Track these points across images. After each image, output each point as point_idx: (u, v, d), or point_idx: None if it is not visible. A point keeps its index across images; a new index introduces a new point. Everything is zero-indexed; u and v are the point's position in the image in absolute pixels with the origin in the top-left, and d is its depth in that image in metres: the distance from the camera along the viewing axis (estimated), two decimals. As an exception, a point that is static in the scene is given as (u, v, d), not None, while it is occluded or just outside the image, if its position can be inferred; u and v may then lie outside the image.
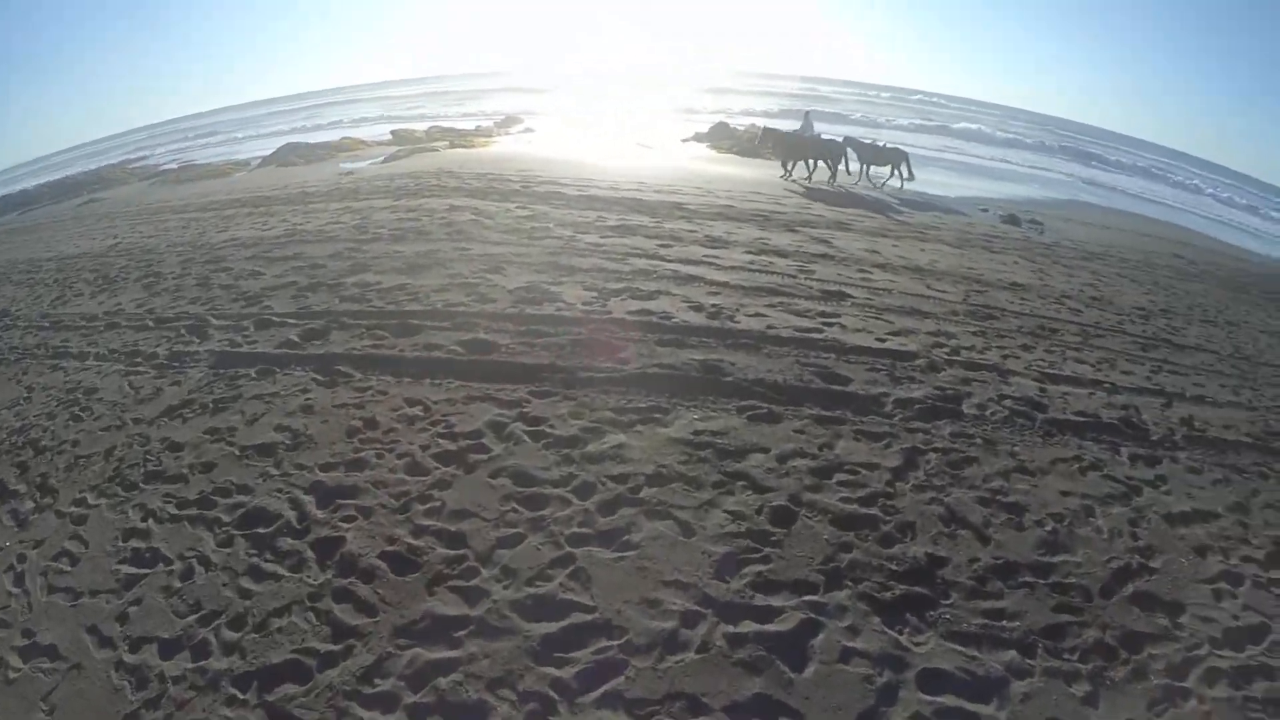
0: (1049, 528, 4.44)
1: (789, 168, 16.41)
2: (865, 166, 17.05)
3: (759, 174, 17.58)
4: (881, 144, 17.97)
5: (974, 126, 42.39)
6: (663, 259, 8.69)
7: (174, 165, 33.37)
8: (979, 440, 5.25)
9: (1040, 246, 13.46)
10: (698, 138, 24.04)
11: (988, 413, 5.72)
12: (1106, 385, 7.06)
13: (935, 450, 4.98)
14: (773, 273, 8.65)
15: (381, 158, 21.52)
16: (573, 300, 7.04)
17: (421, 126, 29.53)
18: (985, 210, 16.73)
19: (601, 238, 9.62)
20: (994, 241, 12.93)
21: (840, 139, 17.14)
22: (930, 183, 20.23)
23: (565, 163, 16.83)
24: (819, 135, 17.35)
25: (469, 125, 31.34)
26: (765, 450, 4.76)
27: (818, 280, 8.52)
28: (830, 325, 6.97)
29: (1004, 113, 76.81)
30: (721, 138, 23.85)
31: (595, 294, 7.20)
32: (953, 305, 8.38)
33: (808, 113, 18.14)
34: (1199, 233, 24.05)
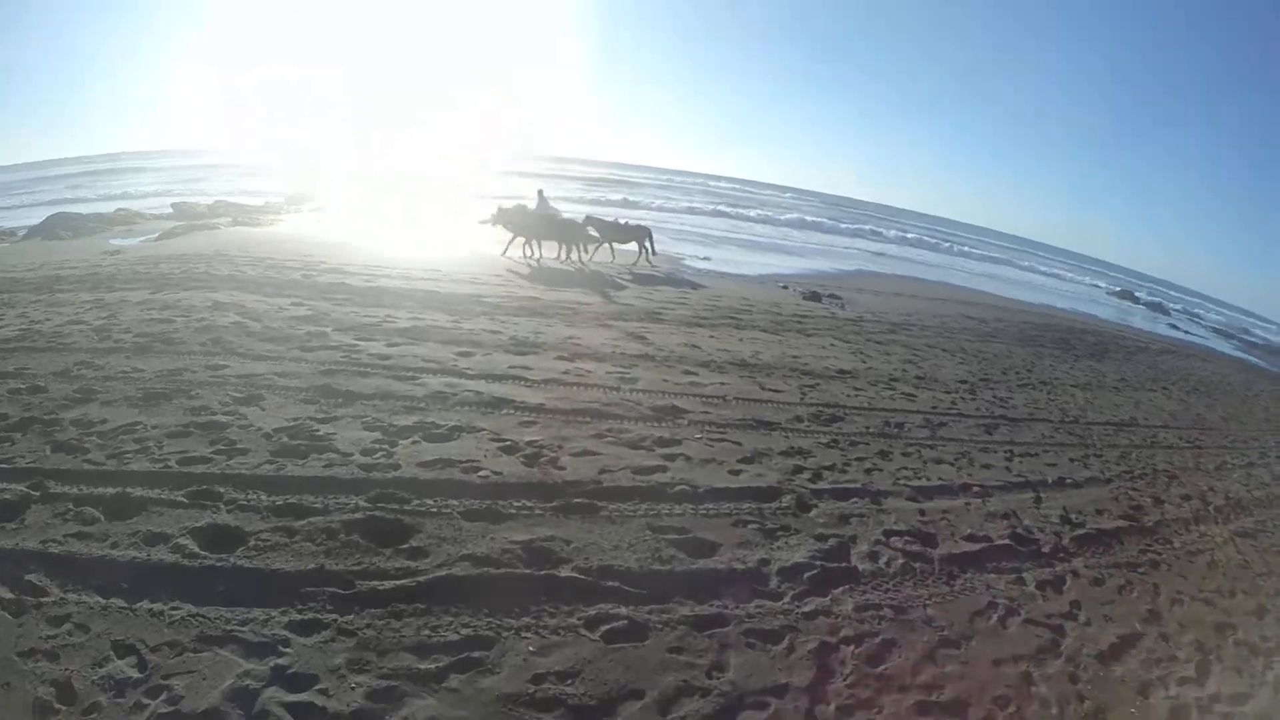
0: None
1: (527, 249, 16.42)
2: (609, 245, 17.16)
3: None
4: (624, 221, 18.23)
5: (764, 211, 46.09)
6: (463, 374, 7.50)
7: None
8: (888, 612, 4.40)
9: (848, 323, 13.98)
10: (495, 220, 23.02)
11: (881, 562, 5.07)
12: (975, 488, 6.99)
13: (847, 641, 4.05)
14: (592, 384, 7.72)
15: (156, 234, 20.66)
16: (349, 448, 5.48)
17: (207, 200, 29.64)
18: (785, 287, 17.30)
19: (389, 346, 8.11)
20: (805, 322, 13.17)
21: (581, 217, 17.49)
22: (729, 261, 21.23)
23: (354, 247, 15.26)
24: (557, 213, 17.20)
25: (257, 201, 31.06)
26: (639, 694, 3.51)
27: (644, 391, 7.73)
28: (673, 459, 6.11)
29: (794, 193, 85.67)
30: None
31: (378, 436, 5.80)
32: (794, 410, 8.00)
33: (540, 190, 17.94)
34: (975, 290, 26.99)
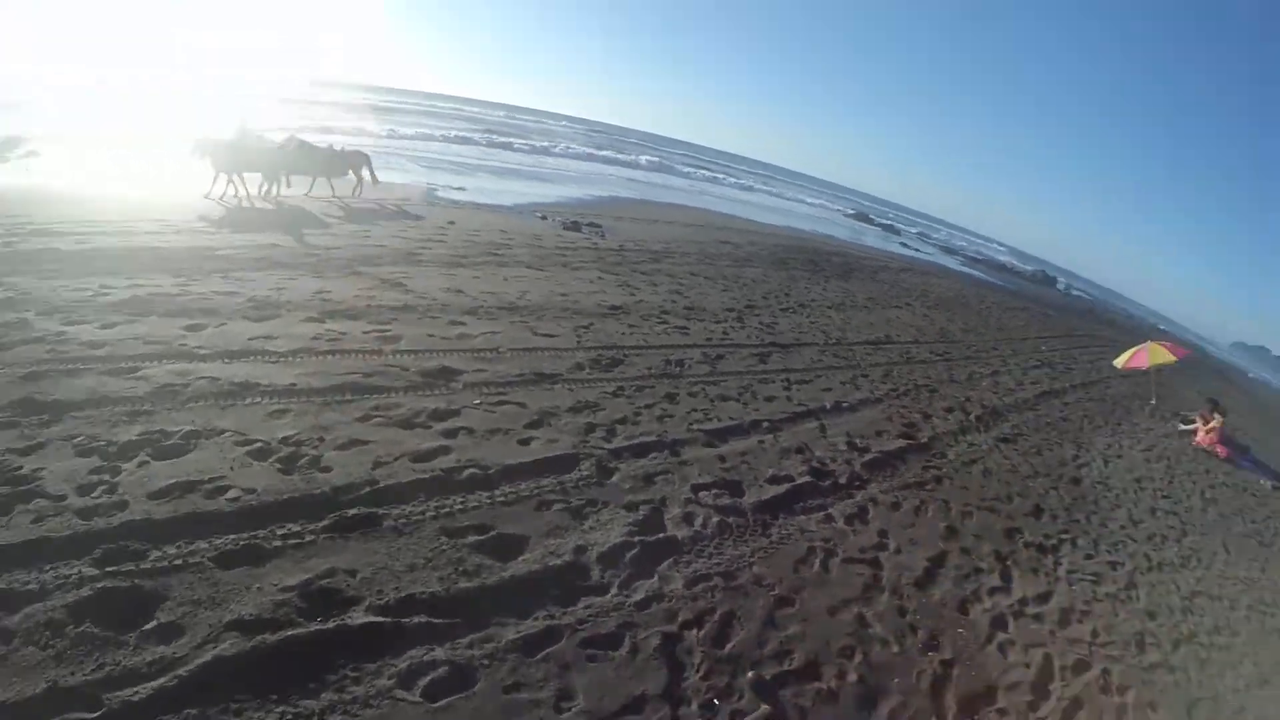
0: (852, 678, 3.83)
1: (231, 185, 13.85)
2: (316, 178, 15.32)
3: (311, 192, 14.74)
4: (339, 147, 16.25)
5: (528, 140, 43.88)
6: (195, 356, 5.81)
7: None
8: (718, 580, 4.16)
9: (610, 253, 13.75)
10: (195, 152, 19.15)
11: (697, 524, 4.82)
12: (764, 424, 7.10)
13: (688, 626, 3.76)
14: (350, 350, 6.50)
15: None
16: (60, 487, 3.85)
17: None
18: (544, 217, 16.65)
19: (103, 328, 6.13)
20: (569, 255, 12.71)
21: (291, 142, 15.16)
22: (484, 190, 20.22)
23: (71, 200, 12.05)
24: (260, 141, 14.77)
25: None
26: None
27: (409, 352, 6.71)
28: (454, 435, 5.32)
29: (563, 120, 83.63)
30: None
31: (97, 463, 4.15)
32: (573, 356, 7.57)
33: (243, 118, 15.46)
34: (728, 214, 28.30)
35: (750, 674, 3.57)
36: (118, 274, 7.80)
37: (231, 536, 3.68)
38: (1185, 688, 4.89)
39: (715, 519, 4.90)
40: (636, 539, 4.39)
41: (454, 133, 36.66)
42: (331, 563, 3.63)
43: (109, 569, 3.33)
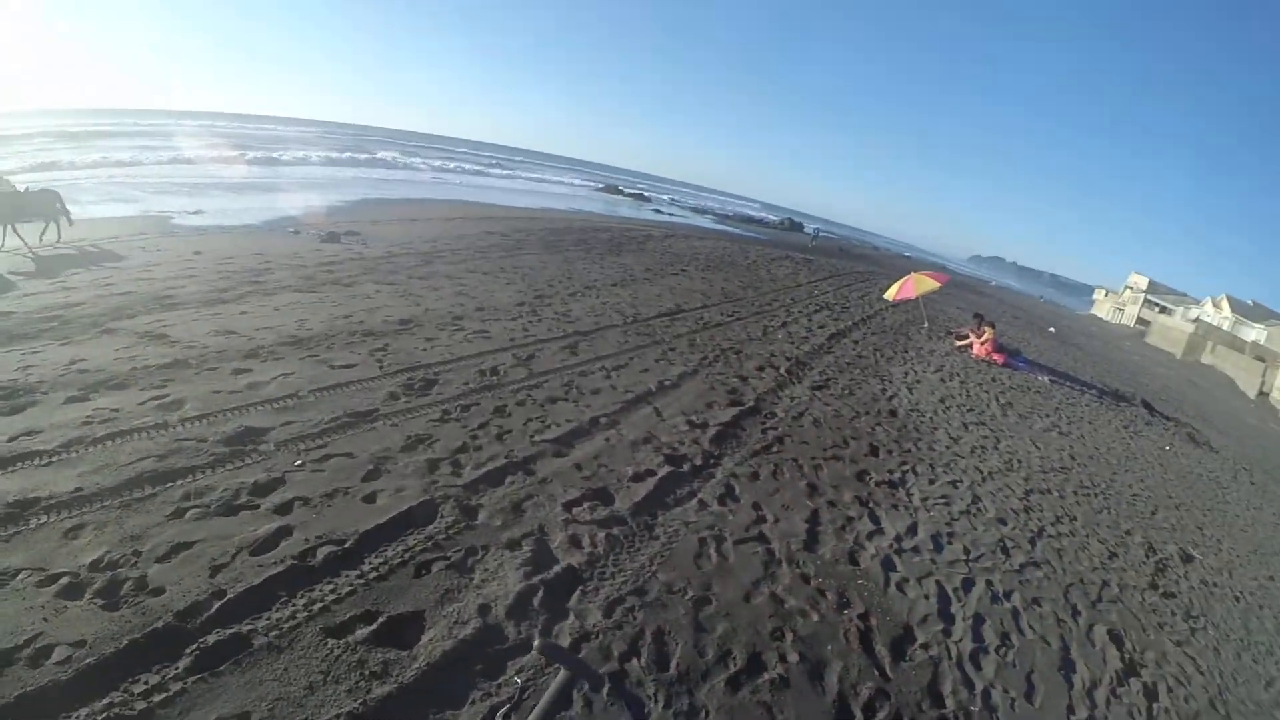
0: (793, 658, 3.91)
1: None
2: (5, 227, 12.80)
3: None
4: (23, 187, 13.75)
5: (263, 151, 39.46)
6: None
7: None
8: (632, 600, 4.29)
9: (381, 262, 12.95)
10: None
11: (587, 546, 4.84)
12: (602, 419, 6.98)
13: (627, 657, 3.82)
14: (131, 429, 5.31)
15: None
16: None
17: None
18: (297, 232, 15.22)
19: None
20: (336, 271, 11.77)
21: None
22: (224, 210, 17.87)
23: None
24: None
25: None
26: None
27: (199, 417, 5.66)
28: (288, 509, 4.58)
29: (278, 123, 75.48)
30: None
31: None
32: (383, 386, 6.98)
33: None
34: (484, 203, 27.57)
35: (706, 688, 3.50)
36: None
37: (83, 713, 2.86)
38: (1055, 578, 5.58)
39: (601, 534, 4.77)
40: (536, 579, 4.13)
41: (176, 151, 32.69)
42: (218, 712, 2.97)
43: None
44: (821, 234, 57.88)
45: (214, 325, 7.98)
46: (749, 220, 60.49)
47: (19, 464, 4.67)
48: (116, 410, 5.58)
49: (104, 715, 2.85)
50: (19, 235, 12.40)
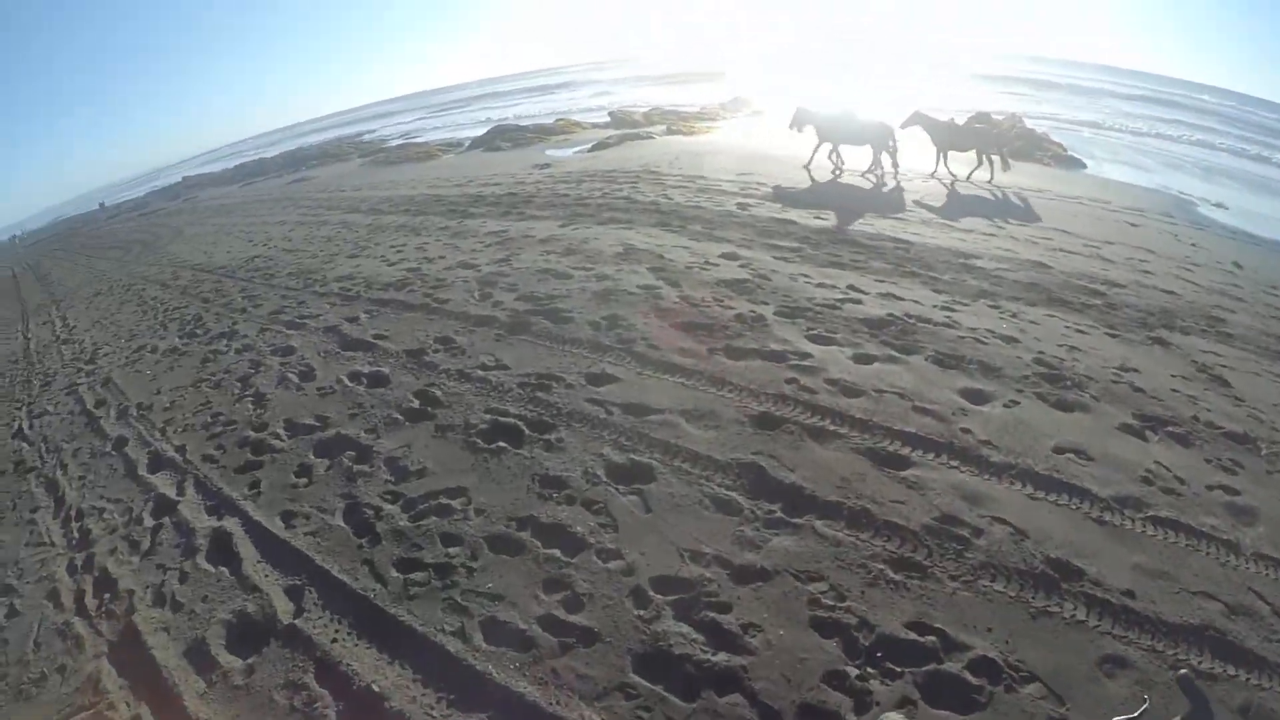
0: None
1: (831, 155, 14.18)
2: (942, 154, 14.09)
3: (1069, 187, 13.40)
4: (962, 123, 15.09)
5: None
6: (994, 471, 4.64)
7: (397, 143, 43.26)
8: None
9: None
10: (794, 123, 15.87)
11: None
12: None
13: None
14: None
15: (590, 144, 21.86)
16: None
17: (642, 108, 31.76)
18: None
19: (858, 361, 5.42)
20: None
21: (906, 115, 14.59)
22: (1255, 215, 15.03)
23: (792, 161, 13.09)
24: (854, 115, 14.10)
25: (692, 106, 32.07)
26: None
27: None
28: None
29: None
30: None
31: None
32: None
33: (798, 107, 14.75)
34: None
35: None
36: (865, 270, 7.12)
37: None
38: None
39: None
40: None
41: (1195, 131, 28.64)
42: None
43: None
44: None
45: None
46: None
47: (1056, 496, 4.44)
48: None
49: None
50: (944, 162, 13.71)
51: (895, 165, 13.79)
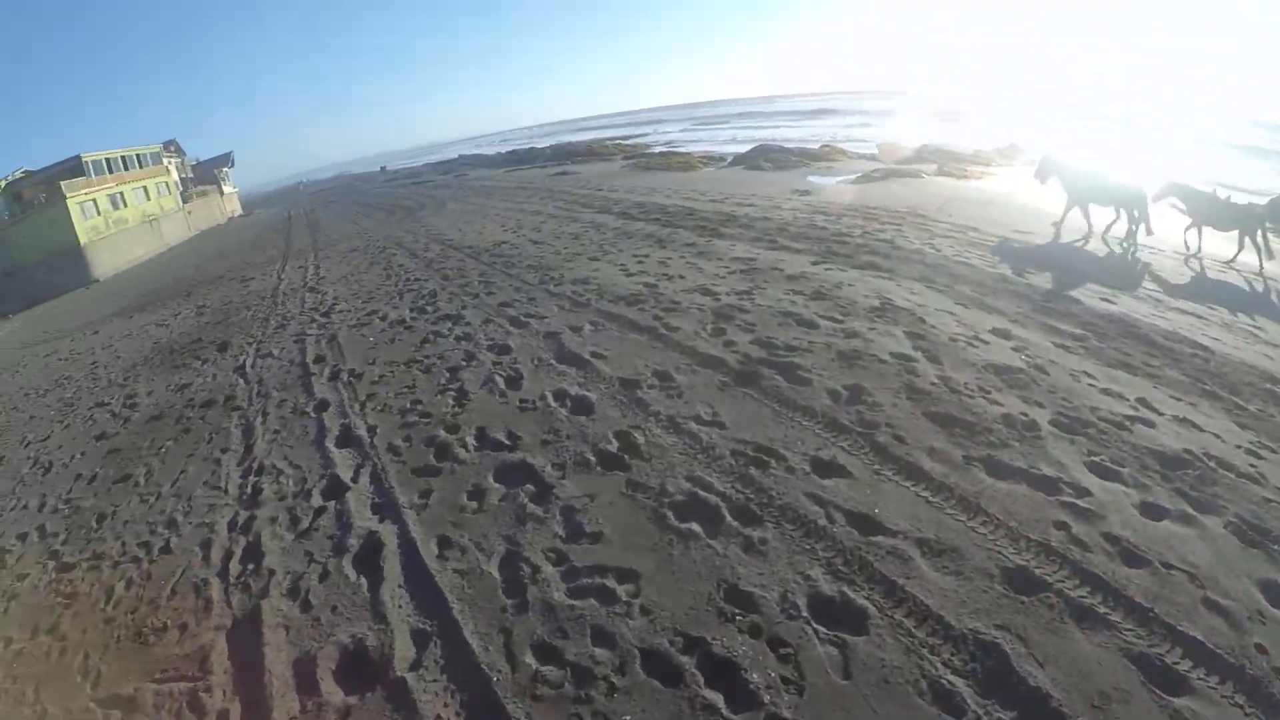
0: None
1: (1086, 218, 12.65)
2: (1198, 231, 11.94)
3: None
4: (1232, 198, 12.24)
5: None
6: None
7: (660, 149, 42.79)
8: None
9: None
10: (1039, 173, 14.95)
11: None
12: None
13: None
14: None
15: (854, 175, 20.78)
16: None
17: (912, 144, 29.27)
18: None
19: (1182, 524, 4.39)
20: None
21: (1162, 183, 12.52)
22: None
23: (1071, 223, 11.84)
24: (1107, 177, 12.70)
25: (965, 148, 28.82)
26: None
27: None
28: None
29: None
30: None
31: None
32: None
33: (1044, 156, 13.86)
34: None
35: None
36: (1159, 379, 6.32)
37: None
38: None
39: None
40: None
41: None
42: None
43: None
44: None
45: None
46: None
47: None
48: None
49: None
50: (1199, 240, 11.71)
51: (1150, 233, 11.63)
